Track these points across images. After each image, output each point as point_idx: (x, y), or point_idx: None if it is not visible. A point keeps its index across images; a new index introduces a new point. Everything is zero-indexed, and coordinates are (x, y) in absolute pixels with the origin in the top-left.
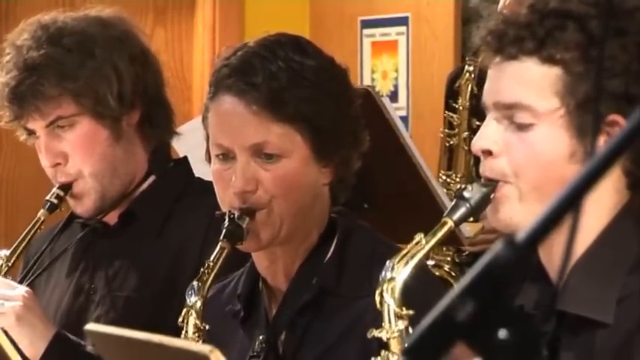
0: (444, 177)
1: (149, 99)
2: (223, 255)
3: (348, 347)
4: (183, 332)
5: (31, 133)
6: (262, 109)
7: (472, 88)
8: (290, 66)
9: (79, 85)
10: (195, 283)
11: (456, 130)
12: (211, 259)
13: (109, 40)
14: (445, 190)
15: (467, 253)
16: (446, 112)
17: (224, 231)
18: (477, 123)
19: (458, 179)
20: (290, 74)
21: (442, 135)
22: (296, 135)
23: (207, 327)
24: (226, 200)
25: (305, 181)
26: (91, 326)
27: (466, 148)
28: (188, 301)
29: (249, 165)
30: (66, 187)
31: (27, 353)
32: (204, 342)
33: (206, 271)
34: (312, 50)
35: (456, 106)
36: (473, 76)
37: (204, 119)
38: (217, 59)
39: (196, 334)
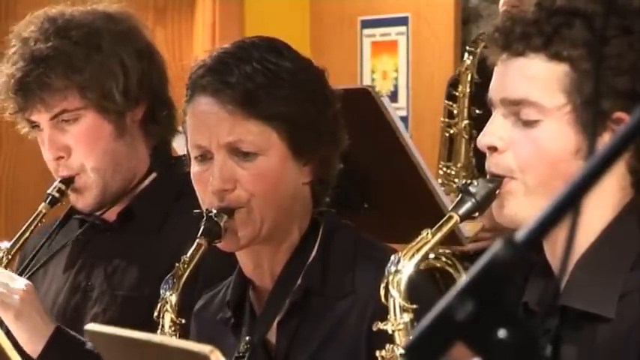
0: (444, 168)
1: (153, 96)
2: (200, 252)
3: (335, 347)
4: (160, 327)
5: (34, 125)
6: (237, 108)
7: (472, 76)
8: (265, 66)
9: (85, 78)
10: (170, 277)
11: (456, 119)
12: (188, 254)
13: (116, 35)
14: (445, 182)
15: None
16: (445, 100)
17: (201, 228)
18: (477, 111)
19: (458, 169)
20: (266, 74)
21: (442, 125)
22: (272, 133)
23: (183, 321)
24: (206, 200)
25: (284, 179)
26: (90, 326)
27: (466, 136)
28: (163, 295)
29: (227, 164)
30: (68, 181)
31: (26, 349)
32: (180, 336)
33: (181, 266)
34: (288, 52)
35: (456, 94)
36: (473, 63)
37: (183, 123)
38: (193, 63)
39: (172, 329)
